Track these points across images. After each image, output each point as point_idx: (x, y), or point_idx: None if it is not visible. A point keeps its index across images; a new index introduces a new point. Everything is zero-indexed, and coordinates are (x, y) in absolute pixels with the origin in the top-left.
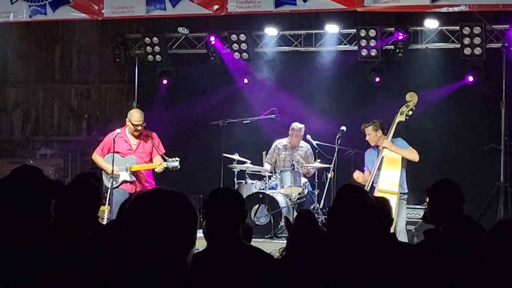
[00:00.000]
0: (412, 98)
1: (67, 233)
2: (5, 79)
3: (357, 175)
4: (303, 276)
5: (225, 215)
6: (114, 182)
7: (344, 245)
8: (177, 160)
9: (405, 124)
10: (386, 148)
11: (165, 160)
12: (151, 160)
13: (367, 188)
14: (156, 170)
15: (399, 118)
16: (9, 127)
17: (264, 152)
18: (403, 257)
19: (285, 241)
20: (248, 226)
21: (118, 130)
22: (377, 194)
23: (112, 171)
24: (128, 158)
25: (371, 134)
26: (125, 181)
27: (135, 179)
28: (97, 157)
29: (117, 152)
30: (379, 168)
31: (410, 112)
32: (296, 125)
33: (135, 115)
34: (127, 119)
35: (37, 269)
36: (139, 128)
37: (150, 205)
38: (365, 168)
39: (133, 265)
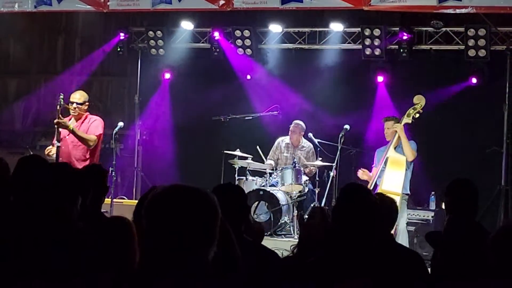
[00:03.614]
0: (419, 101)
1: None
2: (7, 70)
3: (361, 173)
4: (314, 274)
5: (227, 211)
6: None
7: (347, 243)
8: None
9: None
10: (398, 130)
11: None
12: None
13: (371, 185)
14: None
15: (406, 120)
16: (10, 117)
17: (258, 146)
18: (401, 260)
19: (284, 239)
20: (260, 225)
21: (121, 124)
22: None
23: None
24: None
25: (391, 128)
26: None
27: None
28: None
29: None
30: (383, 167)
31: (417, 115)
32: (294, 121)
33: (73, 94)
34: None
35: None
36: (74, 106)
37: (170, 202)
38: (373, 165)
39: (153, 262)
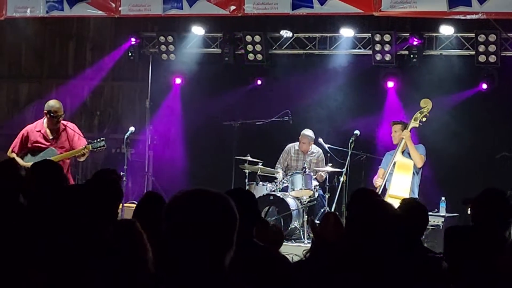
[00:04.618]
0: (426, 104)
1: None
2: (19, 74)
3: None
4: (325, 279)
5: (238, 216)
6: None
7: (363, 248)
8: (102, 140)
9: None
10: (405, 138)
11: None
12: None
13: (380, 189)
14: (79, 159)
15: (413, 124)
16: (21, 122)
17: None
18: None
19: (294, 244)
20: (278, 230)
21: (132, 128)
22: (387, 198)
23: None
24: (47, 151)
25: (398, 132)
26: None
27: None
28: (13, 155)
29: (35, 147)
30: (391, 172)
31: (424, 119)
32: (303, 132)
33: (54, 105)
34: (45, 112)
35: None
36: (60, 119)
37: (190, 205)
38: (379, 167)
39: (171, 266)
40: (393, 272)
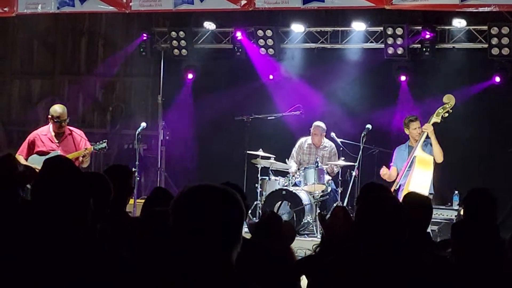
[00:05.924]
0: (449, 100)
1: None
2: (31, 71)
3: (384, 172)
4: (333, 274)
5: None
6: None
7: (367, 242)
8: (104, 141)
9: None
10: (429, 132)
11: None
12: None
13: (396, 186)
14: (83, 164)
15: (435, 119)
16: (34, 118)
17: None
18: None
19: (307, 239)
20: (290, 226)
21: (144, 124)
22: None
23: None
24: (52, 154)
25: (418, 129)
26: None
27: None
28: (20, 158)
29: (41, 152)
30: (409, 167)
31: (446, 114)
32: (314, 123)
33: (57, 110)
34: (49, 116)
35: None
36: (63, 124)
37: (197, 201)
38: (391, 164)
39: (177, 260)
40: (397, 269)
